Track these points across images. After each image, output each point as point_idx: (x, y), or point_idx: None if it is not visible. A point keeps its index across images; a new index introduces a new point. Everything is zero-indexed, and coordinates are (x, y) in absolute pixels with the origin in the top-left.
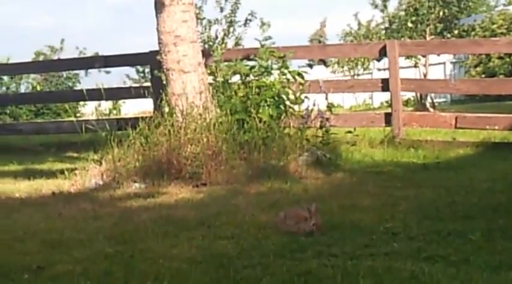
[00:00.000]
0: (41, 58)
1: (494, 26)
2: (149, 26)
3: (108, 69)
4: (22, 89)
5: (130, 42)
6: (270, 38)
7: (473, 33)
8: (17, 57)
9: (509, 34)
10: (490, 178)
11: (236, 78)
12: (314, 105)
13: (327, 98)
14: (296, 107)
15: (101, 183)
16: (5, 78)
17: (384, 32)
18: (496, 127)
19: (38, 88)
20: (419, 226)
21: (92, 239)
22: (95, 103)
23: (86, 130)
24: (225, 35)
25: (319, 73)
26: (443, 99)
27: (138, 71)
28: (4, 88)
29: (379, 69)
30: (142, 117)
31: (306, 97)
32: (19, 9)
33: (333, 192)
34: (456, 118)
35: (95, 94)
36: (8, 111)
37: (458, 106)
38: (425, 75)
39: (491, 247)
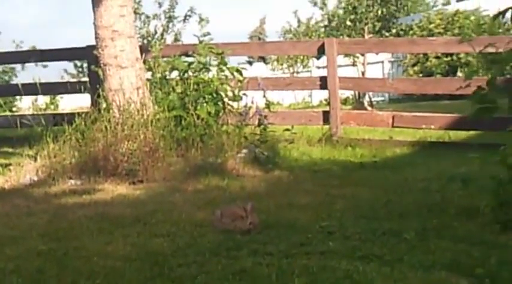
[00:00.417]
0: None
1: (432, 26)
2: (88, 19)
3: (45, 63)
4: None
5: (71, 36)
6: (208, 33)
7: (411, 32)
8: None
9: (446, 34)
10: (425, 178)
11: (174, 74)
12: (252, 102)
13: (264, 95)
14: (234, 104)
15: (35, 179)
16: None
17: (323, 29)
18: (432, 127)
19: None
20: (355, 225)
21: (25, 236)
22: (31, 98)
23: (21, 125)
24: (164, 30)
25: (258, 70)
26: (382, 98)
27: (76, 66)
28: None
29: (318, 67)
30: (79, 113)
31: (244, 94)
32: None
33: (270, 190)
34: (393, 117)
35: (31, 89)
36: None
37: (396, 105)
38: (363, 74)
39: (425, 246)
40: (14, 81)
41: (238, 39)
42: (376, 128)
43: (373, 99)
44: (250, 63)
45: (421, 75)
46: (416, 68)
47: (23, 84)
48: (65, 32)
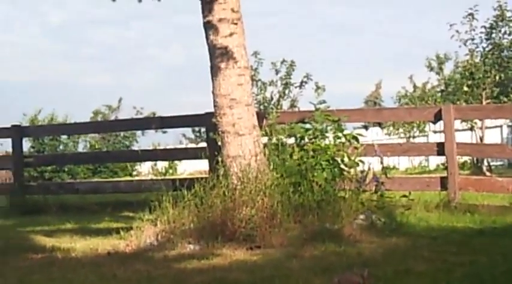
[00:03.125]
0: (99, 117)
1: None
2: (205, 85)
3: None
4: (80, 148)
5: (187, 100)
6: (324, 102)
7: None
8: (75, 115)
9: None
10: None
11: (291, 141)
12: (369, 168)
13: (382, 162)
14: (351, 170)
15: (155, 243)
16: (64, 136)
17: (439, 94)
18: None
19: (96, 146)
20: None
21: None
22: (151, 162)
23: (142, 189)
24: (280, 96)
25: (374, 135)
26: (501, 162)
27: (194, 131)
28: (62, 147)
29: (435, 132)
30: (197, 178)
31: (361, 161)
32: (78, 67)
33: (387, 256)
34: None
35: (151, 155)
36: (66, 169)
37: None
38: (481, 139)
39: None
40: (135, 145)
41: (354, 103)
42: (496, 194)
43: (491, 164)
44: (366, 127)
45: None
46: None
47: (143, 151)
48: (180, 97)
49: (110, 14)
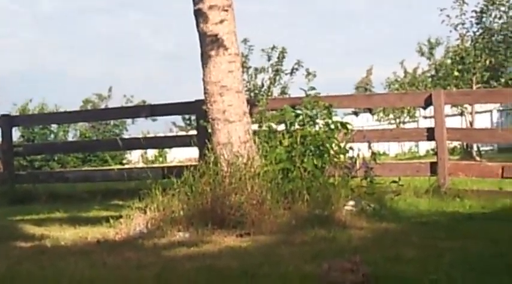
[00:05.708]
0: (89, 106)
1: None
2: (196, 74)
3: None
4: (70, 136)
5: (177, 89)
6: (313, 88)
7: None
8: (65, 105)
9: None
10: None
11: (280, 128)
12: (358, 155)
13: (370, 147)
14: (341, 156)
15: (145, 231)
16: (54, 125)
17: (430, 79)
18: None
19: (86, 135)
20: (464, 279)
21: None
22: (141, 150)
23: (131, 178)
24: (271, 83)
25: (364, 121)
26: (490, 147)
27: (184, 119)
28: (52, 135)
29: (425, 117)
30: (187, 166)
31: (350, 148)
32: (67, 57)
33: (377, 242)
34: (503, 168)
35: (141, 143)
36: (56, 158)
37: (505, 155)
38: (471, 123)
39: None
40: (125, 134)
41: (345, 89)
42: (485, 179)
43: (481, 149)
44: (356, 113)
45: None
46: None
47: (133, 139)
48: (168, 86)
49: (101, 2)
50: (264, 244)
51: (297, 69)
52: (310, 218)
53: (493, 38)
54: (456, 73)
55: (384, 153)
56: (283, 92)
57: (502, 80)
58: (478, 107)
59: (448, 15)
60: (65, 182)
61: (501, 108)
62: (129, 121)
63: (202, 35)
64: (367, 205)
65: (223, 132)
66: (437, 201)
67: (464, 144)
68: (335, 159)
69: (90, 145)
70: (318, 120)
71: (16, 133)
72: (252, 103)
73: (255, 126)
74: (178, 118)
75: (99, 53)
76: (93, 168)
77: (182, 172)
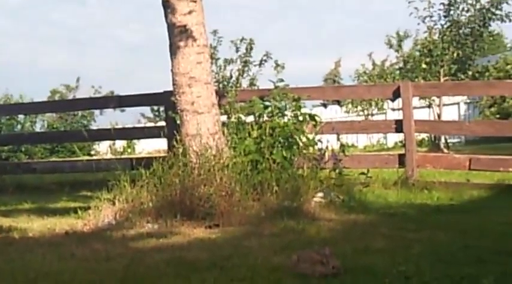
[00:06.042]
0: (56, 96)
1: (509, 67)
2: (164, 65)
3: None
4: (37, 127)
5: (146, 80)
6: (282, 80)
7: (487, 74)
8: (32, 95)
9: None
10: (504, 221)
11: (249, 119)
12: (327, 146)
13: (338, 139)
14: (310, 148)
15: (113, 222)
16: (21, 116)
17: (398, 72)
18: (510, 169)
19: (54, 126)
20: (433, 270)
21: (103, 281)
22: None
23: (99, 169)
24: (239, 74)
25: (333, 112)
26: (458, 140)
27: (153, 110)
28: (19, 126)
29: (393, 109)
30: (155, 157)
31: (319, 140)
32: (35, 47)
33: (346, 233)
34: (470, 160)
35: (109, 134)
36: (23, 149)
37: (472, 147)
38: (439, 116)
39: None
40: (93, 125)
41: (313, 81)
42: (453, 171)
43: (449, 141)
44: (324, 105)
45: (498, 116)
46: (493, 109)
47: (101, 130)
48: (139, 76)
49: None
50: (233, 236)
51: (265, 61)
52: (279, 210)
53: (461, 31)
54: (424, 65)
55: (353, 145)
56: (252, 84)
57: (469, 73)
58: (445, 99)
59: (416, 8)
60: (32, 173)
61: (468, 101)
62: (97, 112)
63: (170, 26)
64: (336, 197)
65: (192, 124)
66: (406, 193)
67: (432, 136)
68: (304, 151)
69: (58, 136)
70: (286, 112)
71: None
72: (220, 94)
73: (224, 118)
74: (146, 110)
75: (67, 44)
76: (61, 159)
77: (151, 163)
